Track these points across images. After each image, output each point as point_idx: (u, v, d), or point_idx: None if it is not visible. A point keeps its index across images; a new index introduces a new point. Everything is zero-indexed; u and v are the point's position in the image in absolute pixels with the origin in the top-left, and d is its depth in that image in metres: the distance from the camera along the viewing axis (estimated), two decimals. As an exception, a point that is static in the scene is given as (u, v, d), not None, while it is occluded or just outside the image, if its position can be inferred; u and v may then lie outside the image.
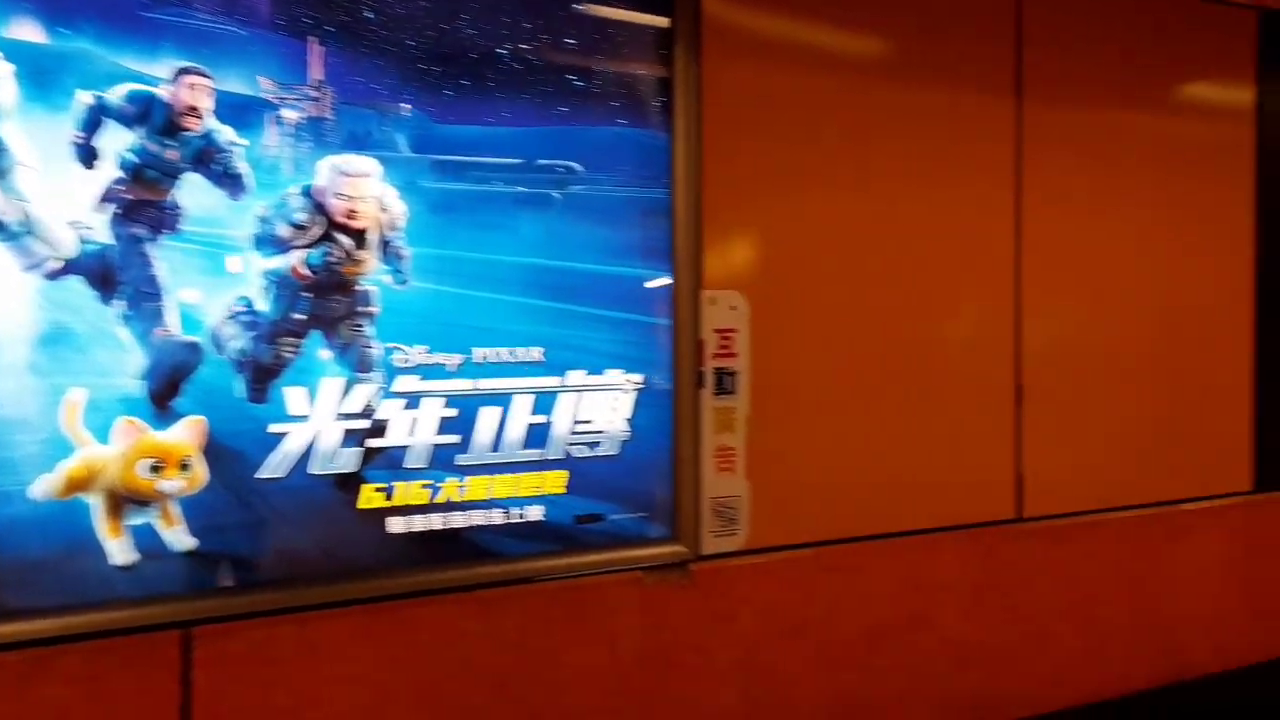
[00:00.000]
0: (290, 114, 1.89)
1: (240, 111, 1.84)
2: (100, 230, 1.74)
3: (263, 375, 1.87)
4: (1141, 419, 2.94)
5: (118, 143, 1.74)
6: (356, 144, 1.96)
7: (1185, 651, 3.02)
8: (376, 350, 1.97)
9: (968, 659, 2.67)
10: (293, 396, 1.89)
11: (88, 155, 1.72)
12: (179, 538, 1.78)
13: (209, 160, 1.81)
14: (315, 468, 1.90)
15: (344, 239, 1.93)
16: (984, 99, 2.67)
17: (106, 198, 1.74)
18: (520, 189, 2.11)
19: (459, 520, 2.05)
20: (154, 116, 1.77)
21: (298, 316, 1.91)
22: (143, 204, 1.77)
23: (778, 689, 2.36)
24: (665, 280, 2.25)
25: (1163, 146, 2.99)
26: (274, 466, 1.86)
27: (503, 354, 2.08)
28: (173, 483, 1.75)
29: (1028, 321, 2.72)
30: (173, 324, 1.78)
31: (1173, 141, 3.01)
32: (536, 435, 2.11)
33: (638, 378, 2.22)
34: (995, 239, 2.70)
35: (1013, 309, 2.70)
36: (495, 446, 2.07)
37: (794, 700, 2.39)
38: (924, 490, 2.59)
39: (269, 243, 1.87)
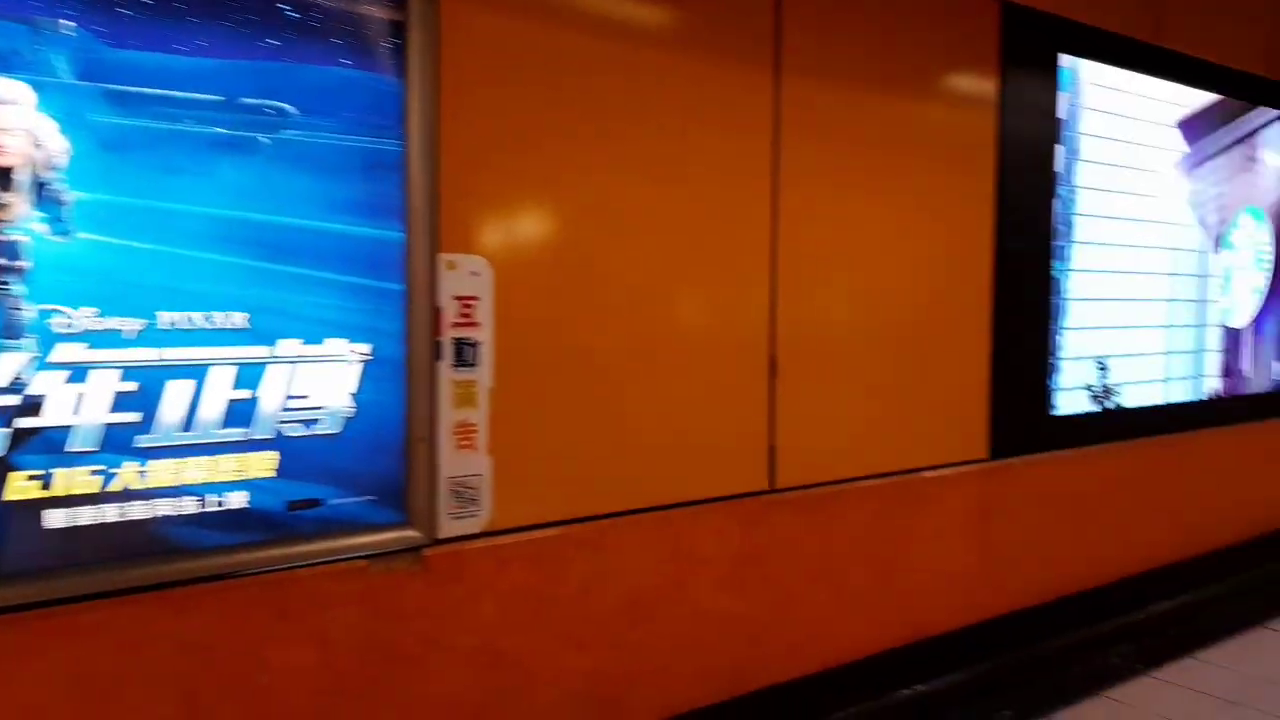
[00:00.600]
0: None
1: None
2: None
3: None
4: (888, 393, 3.06)
5: None
6: (1, 65, 1.64)
7: (926, 611, 3.20)
8: (28, 313, 1.66)
9: (725, 630, 2.68)
10: (-94, 367, 1.56)
11: None
12: None
13: None
14: (-59, 453, 1.58)
15: (-21, 177, 1.61)
16: (744, 72, 2.64)
17: None
18: (219, 130, 1.85)
19: (140, 511, 1.77)
20: None
21: (-85, 270, 1.57)
22: None
23: (521, 675, 2.26)
24: (397, 240, 2.06)
25: (913, 132, 3.09)
26: (-119, 453, 1.53)
27: (196, 319, 1.82)
28: None
29: (783, 296, 2.74)
30: None
31: (922, 128, 3.12)
32: (239, 412, 1.87)
33: (364, 348, 2.02)
34: (751, 213, 2.69)
35: (768, 283, 2.71)
36: (187, 426, 1.81)
37: (538, 685, 2.29)
38: (679, 464, 2.56)
39: None
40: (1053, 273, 3.56)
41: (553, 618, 2.31)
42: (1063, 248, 3.60)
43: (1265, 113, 4.49)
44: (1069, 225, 3.63)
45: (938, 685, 3.09)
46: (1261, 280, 4.58)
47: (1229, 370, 4.49)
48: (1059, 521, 3.63)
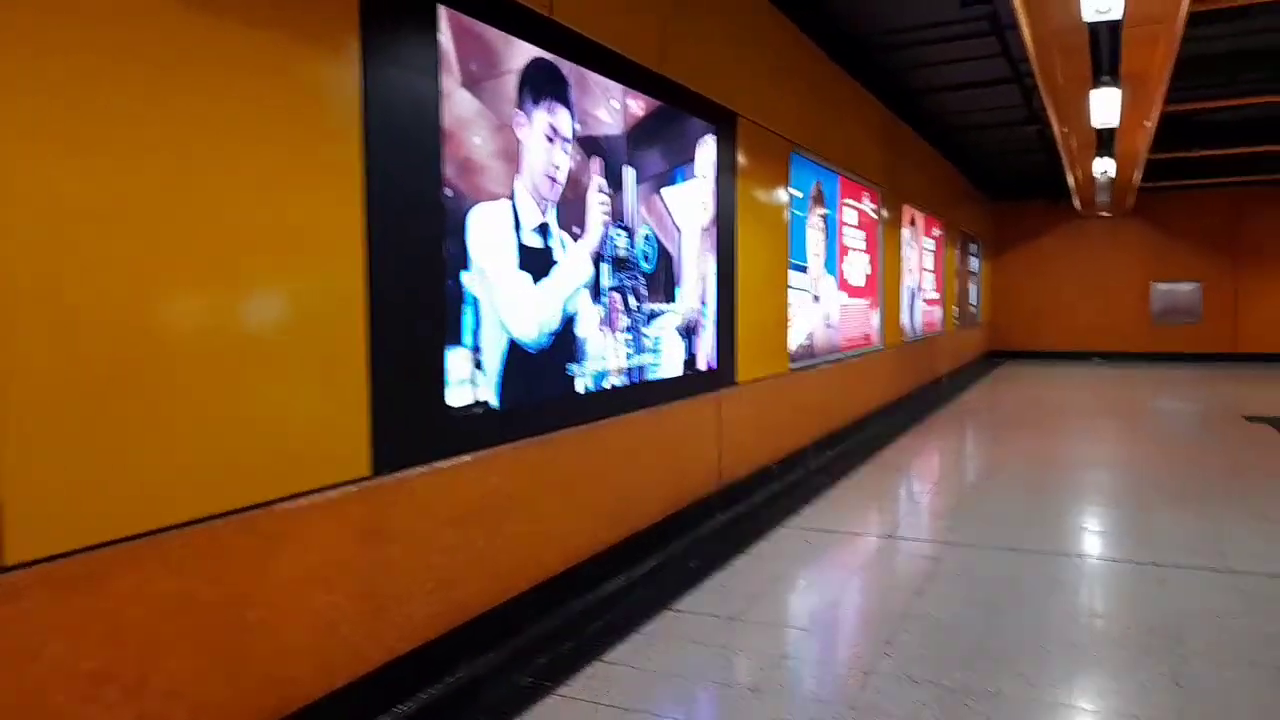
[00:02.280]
0: None
1: None
2: None
3: None
4: (220, 414, 2.34)
5: None
6: None
7: (287, 684, 2.55)
8: None
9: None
10: None
11: None
12: None
13: None
14: None
15: None
16: None
17: None
18: None
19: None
20: None
21: None
22: None
23: None
24: None
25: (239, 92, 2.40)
26: None
27: None
28: None
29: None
30: None
31: (251, 87, 2.45)
32: None
33: None
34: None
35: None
36: None
37: None
38: None
39: None
40: (448, 250, 3.16)
41: None
42: (460, 222, 3.22)
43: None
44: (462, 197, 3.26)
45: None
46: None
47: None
48: (465, 535, 3.26)
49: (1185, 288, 18.32)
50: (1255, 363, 17.17)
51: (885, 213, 9.99)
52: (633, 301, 4.48)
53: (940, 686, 3.07)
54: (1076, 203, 16.07)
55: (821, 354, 7.85)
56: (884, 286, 9.94)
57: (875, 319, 9.69)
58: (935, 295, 13.46)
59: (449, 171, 3.18)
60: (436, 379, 3.15)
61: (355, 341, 2.79)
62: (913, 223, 11.64)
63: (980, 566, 4.46)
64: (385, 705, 2.88)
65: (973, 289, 17.45)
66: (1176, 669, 3.17)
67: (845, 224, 8.51)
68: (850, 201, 8.66)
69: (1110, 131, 9.24)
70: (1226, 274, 17.86)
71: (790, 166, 6.86)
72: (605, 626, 3.67)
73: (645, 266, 4.60)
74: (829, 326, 8.07)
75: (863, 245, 9.09)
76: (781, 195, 6.73)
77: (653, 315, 4.69)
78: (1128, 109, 8.13)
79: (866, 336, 9.34)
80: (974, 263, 17.38)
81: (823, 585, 4.29)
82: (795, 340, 7.15)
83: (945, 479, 7.33)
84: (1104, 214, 18.10)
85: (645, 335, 4.61)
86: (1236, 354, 17.66)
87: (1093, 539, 5.10)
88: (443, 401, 3.17)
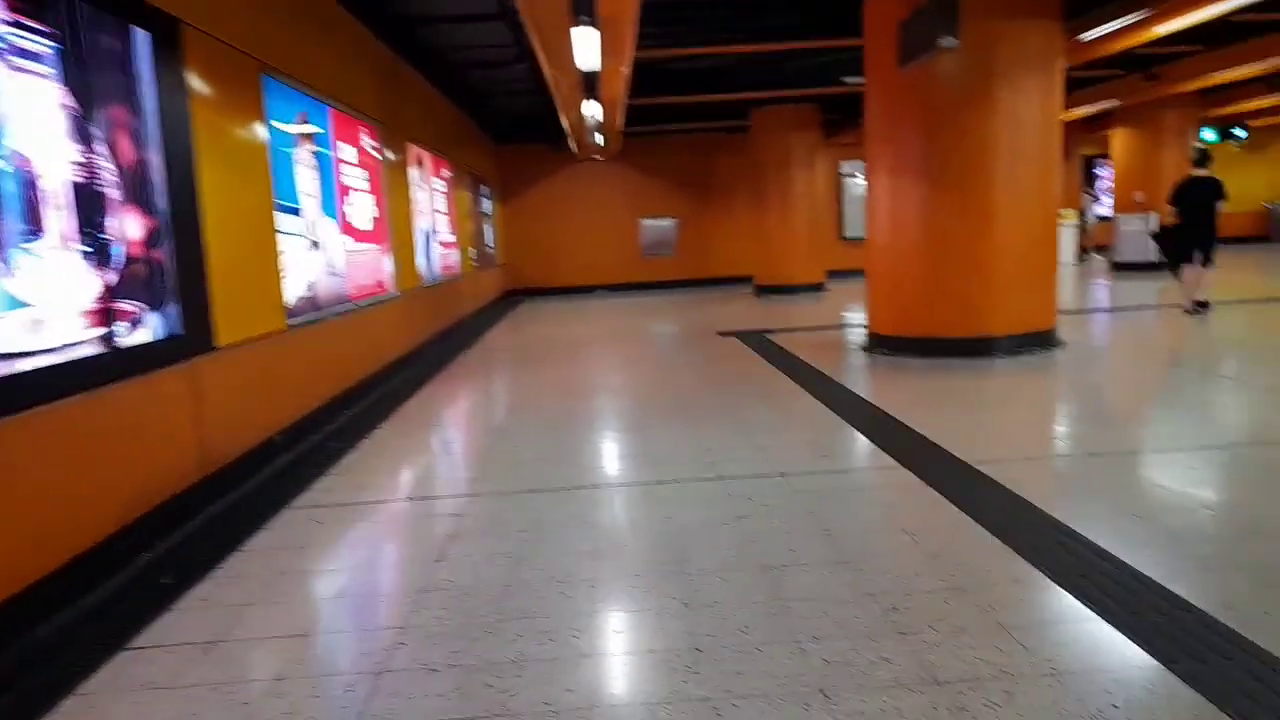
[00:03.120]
0: None
1: None
2: None
3: None
4: None
5: None
6: None
7: None
8: None
9: None
10: None
11: None
12: None
13: None
14: None
15: None
16: None
17: None
18: None
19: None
20: None
21: None
22: None
23: None
24: None
25: None
26: None
27: None
28: None
29: None
30: None
31: None
32: None
33: None
34: None
35: None
36: None
37: None
38: None
39: None
40: None
41: None
42: None
43: None
44: None
45: None
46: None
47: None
48: None
49: (665, 223, 20.81)
50: (723, 285, 20.23)
51: (390, 152, 9.40)
52: None
53: (461, 668, 2.75)
54: (573, 145, 17.08)
55: (328, 305, 7.10)
56: (394, 230, 9.40)
57: (388, 264, 9.13)
58: (451, 238, 13.30)
59: None
60: None
61: None
62: (420, 163, 11.22)
63: (505, 516, 4.28)
64: None
65: (488, 231, 17.75)
66: (685, 590, 3.26)
67: (344, 162, 7.75)
68: (348, 138, 7.90)
69: (594, 75, 9.71)
70: (698, 211, 20.64)
71: (264, 92, 5.91)
72: (18, 700, 2.70)
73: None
74: (334, 275, 7.32)
75: (366, 186, 8.41)
76: (257, 126, 5.76)
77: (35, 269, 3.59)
78: (607, 53, 8.54)
79: (380, 283, 8.76)
80: (486, 204, 17.65)
81: (331, 574, 3.74)
82: (293, 293, 6.31)
83: (469, 425, 7.17)
84: (598, 157, 19.60)
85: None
86: (708, 279, 20.61)
87: (605, 467, 5.27)
88: None
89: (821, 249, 17.18)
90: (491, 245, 18.09)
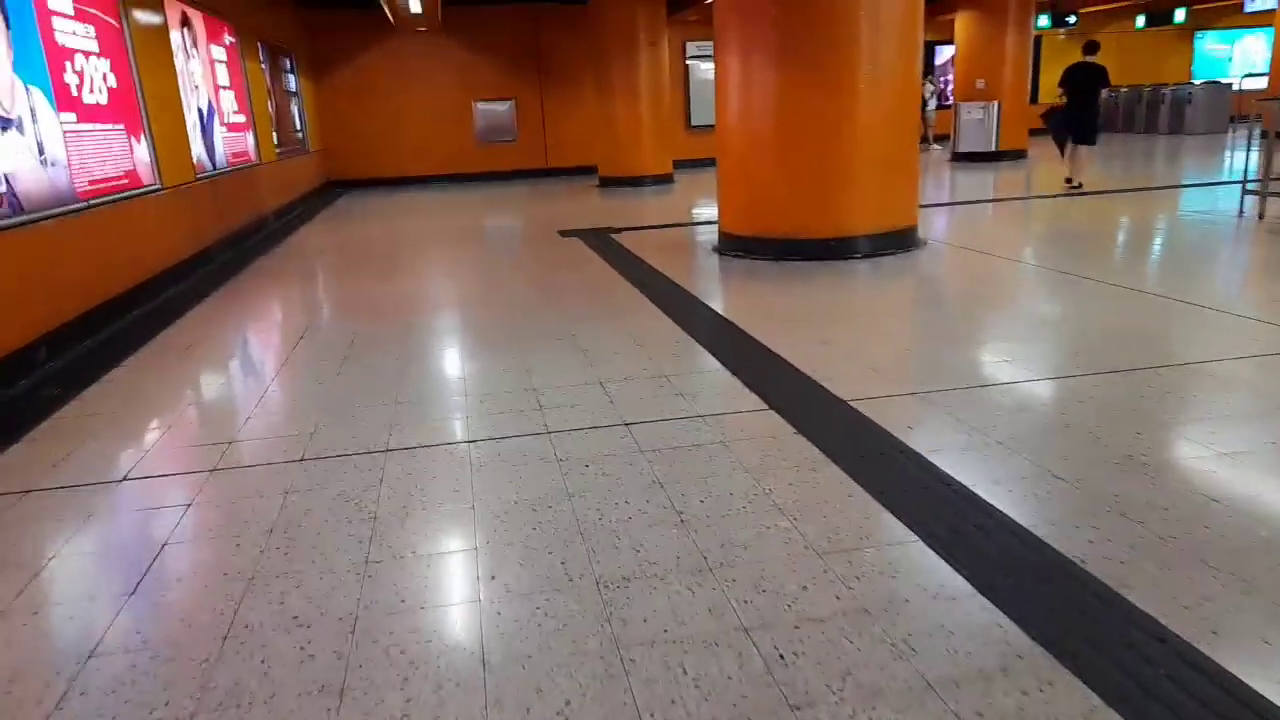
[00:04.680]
0: None
1: None
2: None
3: None
4: None
5: None
6: None
7: None
8: None
9: None
10: None
11: None
12: None
13: None
14: None
15: None
16: None
17: None
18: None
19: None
20: None
21: None
22: None
23: None
24: None
25: None
26: None
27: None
28: None
29: None
30: None
31: None
32: None
33: None
34: None
35: None
36: None
37: None
38: None
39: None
40: None
41: None
42: None
43: None
44: None
45: None
46: None
47: None
48: None
49: (501, 107, 19.00)
50: (564, 176, 18.83)
51: (134, 6, 7.46)
52: None
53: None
54: (388, 12, 14.98)
55: (39, 205, 5.44)
56: (147, 106, 7.56)
57: (142, 150, 7.35)
58: (242, 119, 11.30)
59: None
60: None
61: None
62: (187, 24, 9.18)
63: (247, 505, 3.14)
64: None
65: (295, 112, 15.53)
66: (481, 637, 2.29)
67: (54, 13, 5.91)
68: (60, -19, 6.03)
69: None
70: (535, 93, 18.92)
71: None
72: None
73: None
74: (47, 164, 5.62)
75: (94, 46, 6.56)
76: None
77: None
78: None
79: (128, 174, 7.01)
80: (291, 81, 15.36)
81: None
82: (-30, 190, 4.67)
83: (241, 359, 5.80)
84: (421, 29, 17.45)
85: None
86: (549, 169, 19.15)
87: (404, 420, 4.14)
88: None
89: (668, 137, 16.09)
90: (301, 129, 15.87)
